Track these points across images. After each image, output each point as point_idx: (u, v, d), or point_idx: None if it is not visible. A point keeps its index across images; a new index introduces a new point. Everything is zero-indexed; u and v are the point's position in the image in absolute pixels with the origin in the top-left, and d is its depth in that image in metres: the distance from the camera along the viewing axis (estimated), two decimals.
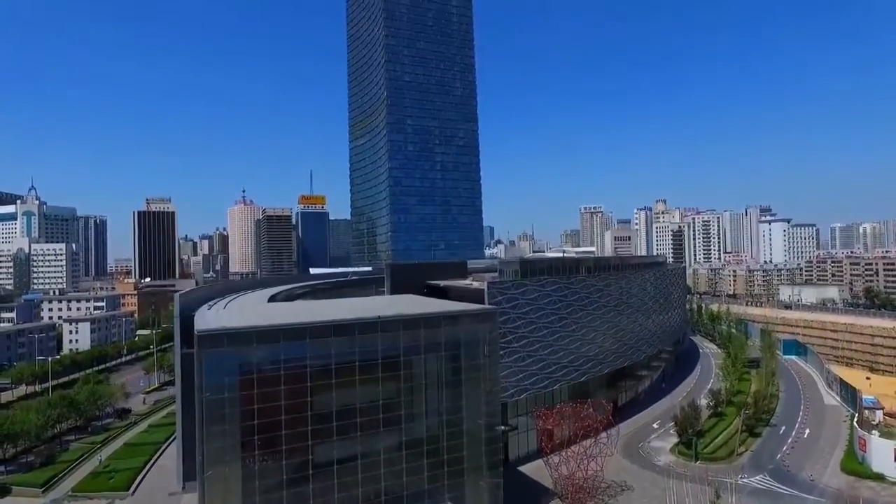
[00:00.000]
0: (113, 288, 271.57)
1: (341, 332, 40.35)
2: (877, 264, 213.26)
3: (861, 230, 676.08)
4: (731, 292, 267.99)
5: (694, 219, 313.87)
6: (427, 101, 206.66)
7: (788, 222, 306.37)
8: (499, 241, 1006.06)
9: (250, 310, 53.34)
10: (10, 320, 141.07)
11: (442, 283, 75.89)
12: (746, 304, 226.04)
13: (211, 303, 59.00)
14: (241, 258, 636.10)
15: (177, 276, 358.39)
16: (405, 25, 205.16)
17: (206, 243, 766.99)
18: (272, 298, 76.60)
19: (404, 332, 42.89)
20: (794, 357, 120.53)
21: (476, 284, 68.60)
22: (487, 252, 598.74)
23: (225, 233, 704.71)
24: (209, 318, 43.87)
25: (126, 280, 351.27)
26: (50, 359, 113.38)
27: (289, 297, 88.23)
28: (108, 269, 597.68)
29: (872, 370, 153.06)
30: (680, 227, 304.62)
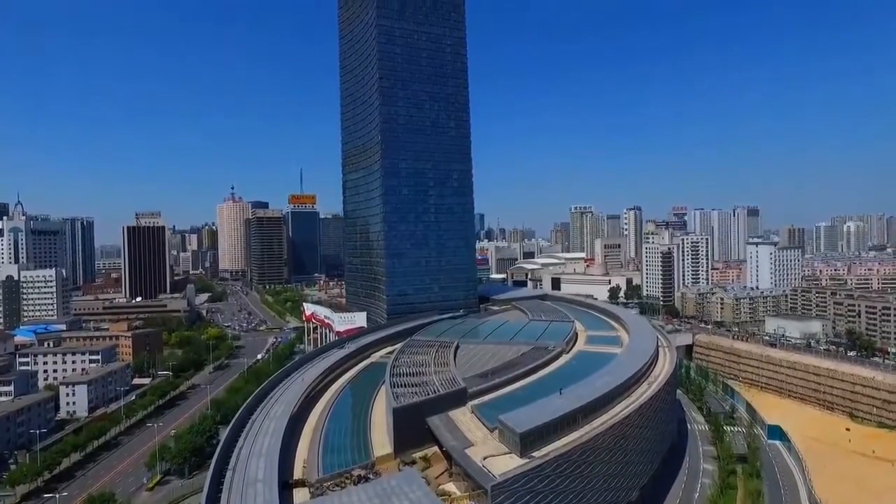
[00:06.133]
0: (103, 316, 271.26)
1: None
2: (859, 306, 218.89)
3: (845, 228, 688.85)
4: (718, 318, 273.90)
5: (683, 240, 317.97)
6: (421, 142, 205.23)
7: (775, 245, 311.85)
8: (489, 232, 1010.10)
9: None
10: (7, 393, 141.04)
11: (443, 438, 78.19)
12: (733, 338, 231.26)
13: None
14: (230, 256, 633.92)
15: (168, 290, 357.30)
16: (400, 66, 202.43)
17: (194, 238, 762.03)
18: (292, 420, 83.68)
19: None
20: (777, 443, 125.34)
21: (479, 454, 70.88)
22: (478, 245, 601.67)
23: (214, 227, 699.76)
24: None
25: (116, 295, 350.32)
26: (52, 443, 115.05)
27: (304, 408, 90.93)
28: (97, 266, 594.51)
29: (852, 416, 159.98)
30: (669, 248, 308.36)
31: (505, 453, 72.11)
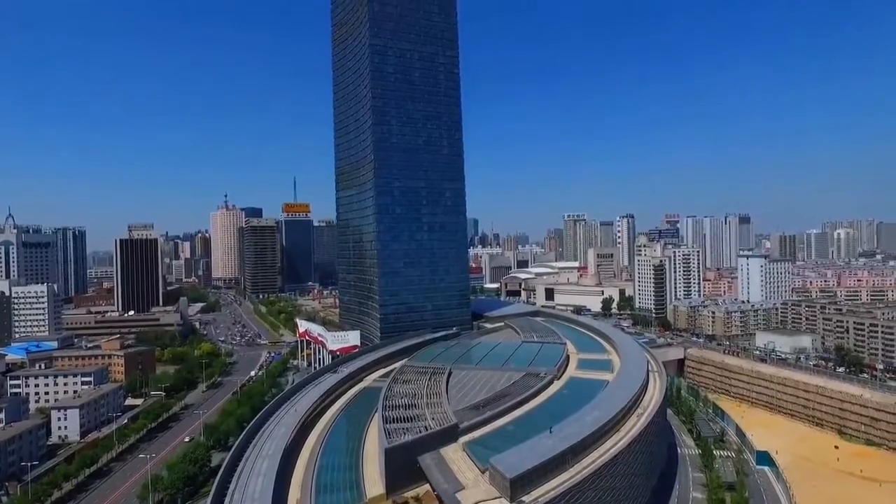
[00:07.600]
0: (95, 331, 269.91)
1: None
2: (847, 322, 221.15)
3: (836, 235, 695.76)
4: (710, 332, 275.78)
5: (675, 252, 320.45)
6: (414, 161, 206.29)
7: (766, 257, 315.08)
8: (483, 237, 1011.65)
9: None
10: None
11: (435, 480, 78.83)
12: (724, 352, 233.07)
13: None
14: (223, 264, 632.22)
15: (160, 303, 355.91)
16: (393, 85, 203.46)
17: (187, 245, 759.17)
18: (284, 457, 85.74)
19: None
20: (766, 468, 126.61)
21: (469, 499, 71.62)
22: (471, 252, 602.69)
23: (207, 235, 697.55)
24: None
25: (109, 308, 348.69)
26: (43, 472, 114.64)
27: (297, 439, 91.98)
28: (89, 274, 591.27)
29: (841, 433, 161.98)
30: (661, 261, 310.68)
31: (495, 497, 72.80)
